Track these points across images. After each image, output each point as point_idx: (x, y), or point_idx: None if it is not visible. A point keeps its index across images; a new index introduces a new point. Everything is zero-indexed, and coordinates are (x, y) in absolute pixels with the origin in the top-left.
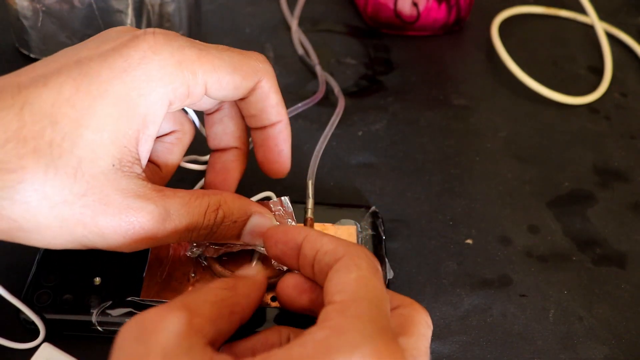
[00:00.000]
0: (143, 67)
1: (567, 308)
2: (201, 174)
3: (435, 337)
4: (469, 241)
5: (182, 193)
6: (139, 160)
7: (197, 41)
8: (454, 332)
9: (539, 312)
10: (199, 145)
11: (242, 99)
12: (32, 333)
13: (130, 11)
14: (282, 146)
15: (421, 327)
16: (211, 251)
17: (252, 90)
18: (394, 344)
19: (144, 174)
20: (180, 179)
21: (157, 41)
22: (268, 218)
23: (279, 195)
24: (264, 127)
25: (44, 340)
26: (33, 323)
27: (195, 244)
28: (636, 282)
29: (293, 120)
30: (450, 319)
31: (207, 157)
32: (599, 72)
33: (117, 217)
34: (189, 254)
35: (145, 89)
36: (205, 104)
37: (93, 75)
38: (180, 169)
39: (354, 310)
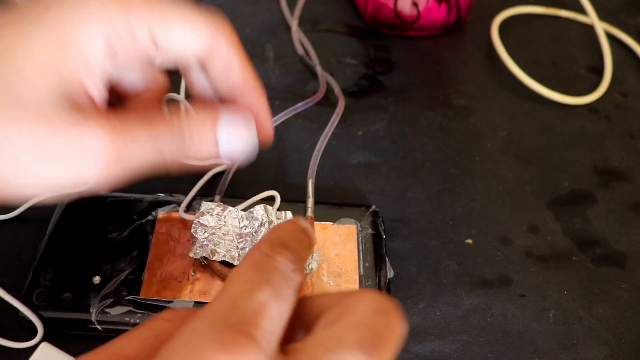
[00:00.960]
0: (80, 2)
1: (567, 308)
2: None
3: (436, 336)
4: (469, 241)
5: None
6: (86, 95)
7: None
8: (454, 332)
9: (539, 312)
10: None
11: (204, 64)
12: (31, 332)
13: None
14: (255, 110)
15: (353, 315)
16: (214, 254)
17: (211, 52)
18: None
19: (96, 108)
20: None
21: None
22: (241, 115)
23: (282, 195)
24: (234, 97)
25: (42, 340)
26: (31, 322)
27: (197, 245)
28: (636, 282)
29: (293, 120)
30: (450, 318)
31: None
32: (599, 72)
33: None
34: (191, 254)
35: (80, 23)
36: (166, 61)
37: (27, 8)
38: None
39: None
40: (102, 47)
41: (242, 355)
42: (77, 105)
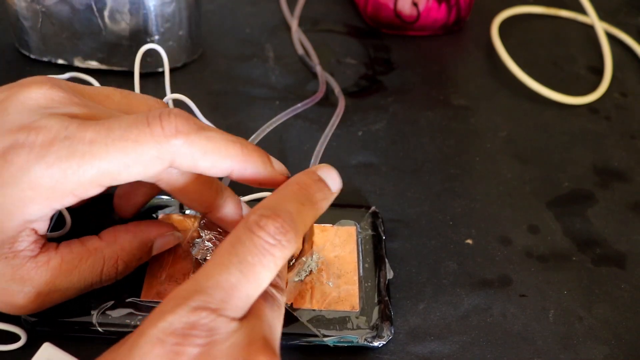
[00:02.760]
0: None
1: (567, 308)
2: None
3: (435, 337)
4: (469, 241)
5: (69, 257)
6: (19, 239)
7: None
8: (454, 332)
9: (539, 312)
10: None
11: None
12: (32, 333)
13: (128, 12)
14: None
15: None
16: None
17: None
18: None
19: (28, 247)
20: None
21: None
22: (170, 236)
23: None
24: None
25: (26, 342)
26: (33, 323)
27: (195, 244)
28: (636, 282)
29: (293, 120)
30: (450, 319)
31: None
32: (599, 72)
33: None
34: (194, 253)
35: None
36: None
37: None
38: None
39: None
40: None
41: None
42: (6, 255)
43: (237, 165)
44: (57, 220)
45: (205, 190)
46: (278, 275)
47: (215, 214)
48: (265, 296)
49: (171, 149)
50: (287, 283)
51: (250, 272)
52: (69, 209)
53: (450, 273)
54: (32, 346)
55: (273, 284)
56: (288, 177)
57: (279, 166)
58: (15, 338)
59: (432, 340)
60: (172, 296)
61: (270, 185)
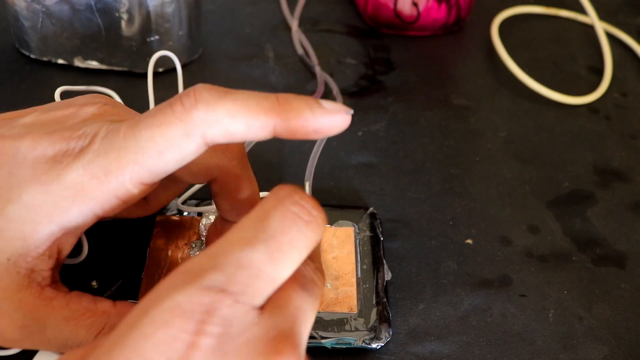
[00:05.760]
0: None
1: (567, 308)
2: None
3: (435, 337)
4: (469, 241)
5: (75, 306)
6: (42, 254)
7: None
8: (454, 332)
9: (539, 312)
10: None
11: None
12: None
13: (128, 12)
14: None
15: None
16: None
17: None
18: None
19: (44, 273)
20: None
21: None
22: None
23: None
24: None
25: None
26: None
27: (193, 246)
28: (636, 282)
29: None
30: (450, 319)
31: None
32: (599, 72)
33: None
34: (190, 253)
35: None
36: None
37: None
38: None
39: None
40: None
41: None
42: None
43: (278, 120)
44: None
45: (253, 196)
46: (313, 259)
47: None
48: (299, 280)
49: (196, 122)
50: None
51: (279, 251)
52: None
53: (450, 273)
54: (29, 352)
55: (312, 266)
56: (351, 113)
57: (332, 105)
58: None
59: (432, 340)
60: (181, 270)
61: (330, 131)
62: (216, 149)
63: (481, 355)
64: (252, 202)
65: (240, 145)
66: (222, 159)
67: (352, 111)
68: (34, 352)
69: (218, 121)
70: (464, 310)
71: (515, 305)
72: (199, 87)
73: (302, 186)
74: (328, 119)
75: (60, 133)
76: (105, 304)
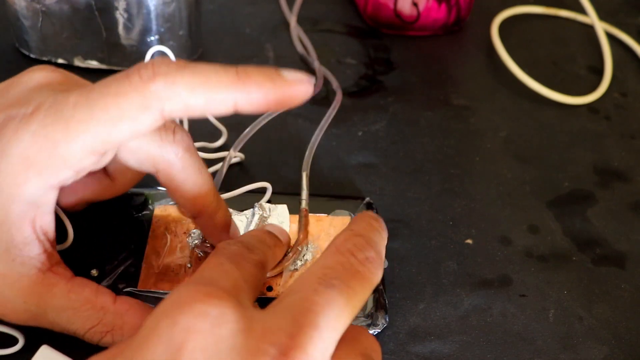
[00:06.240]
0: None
1: (567, 308)
2: (211, 162)
3: (435, 337)
4: (469, 241)
5: (75, 296)
6: (29, 240)
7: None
8: (454, 332)
9: (539, 312)
10: (208, 130)
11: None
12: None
13: (128, 12)
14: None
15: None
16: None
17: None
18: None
19: (38, 257)
20: None
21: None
22: None
23: (274, 186)
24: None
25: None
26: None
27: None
28: (636, 282)
29: (292, 119)
30: (450, 319)
31: (219, 143)
32: (599, 72)
33: None
34: (189, 242)
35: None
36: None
37: None
38: None
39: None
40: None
41: (210, 297)
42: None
43: (238, 94)
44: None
45: (202, 192)
46: (361, 248)
47: (203, 220)
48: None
49: (154, 95)
50: (282, 273)
51: None
52: (71, 220)
53: (450, 273)
54: (30, 349)
55: (359, 257)
56: (313, 82)
57: (293, 75)
58: (13, 341)
59: (432, 340)
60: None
61: (293, 102)
62: (163, 140)
63: (481, 355)
64: (202, 197)
65: (187, 136)
66: (167, 149)
67: (314, 80)
68: (33, 351)
69: (176, 94)
70: (464, 310)
71: (515, 305)
72: (158, 59)
73: (300, 176)
74: (290, 90)
75: (1, 104)
76: (106, 299)
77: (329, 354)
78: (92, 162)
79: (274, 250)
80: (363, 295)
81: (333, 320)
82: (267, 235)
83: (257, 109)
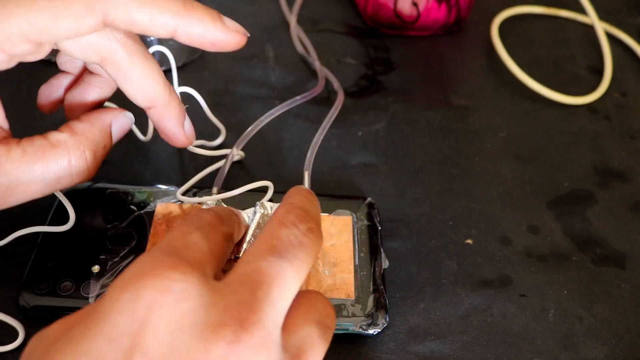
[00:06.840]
0: None
1: (567, 308)
2: (210, 160)
3: (436, 336)
4: (469, 241)
5: (31, 149)
6: None
7: None
8: (454, 332)
9: (539, 312)
10: (207, 129)
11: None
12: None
13: None
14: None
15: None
16: None
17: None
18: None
19: None
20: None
21: None
22: (123, 118)
23: (276, 186)
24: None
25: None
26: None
27: None
28: (636, 282)
29: (293, 120)
30: (450, 318)
31: (217, 142)
32: (599, 72)
33: None
34: None
35: None
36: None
37: None
38: (187, 154)
39: None
40: None
41: (174, 271)
42: None
43: (180, 22)
44: (61, 215)
45: (152, 78)
46: (303, 219)
47: (158, 111)
48: (272, 247)
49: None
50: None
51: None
52: (72, 202)
53: (450, 273)
54: None
55: (300, 229)
56: (247, 37)
57: (232, 24)
58: (13, 336)
59: (432, 340)
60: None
61: (225, 47)
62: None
63: (481, 355)
64: (152, 84)
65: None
66: (107, 35)
67: (248, 35)
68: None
69: (124, 5)
70: (464, 310)
71: (515, 305)
72: None
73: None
74: (226, 35)
75: None
76: (55, 135)
77: (280, 322)
78: (27, 50)
79: (239, 227)
80: (308, 264)
81: (284, 291)
82: (234, 211)
83: (192, 42)
